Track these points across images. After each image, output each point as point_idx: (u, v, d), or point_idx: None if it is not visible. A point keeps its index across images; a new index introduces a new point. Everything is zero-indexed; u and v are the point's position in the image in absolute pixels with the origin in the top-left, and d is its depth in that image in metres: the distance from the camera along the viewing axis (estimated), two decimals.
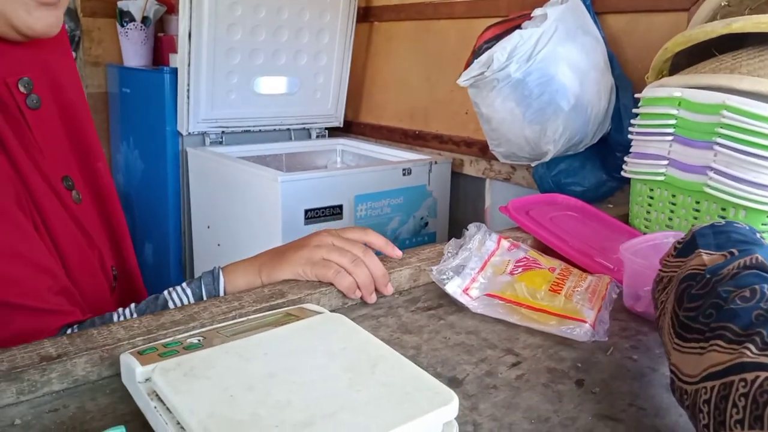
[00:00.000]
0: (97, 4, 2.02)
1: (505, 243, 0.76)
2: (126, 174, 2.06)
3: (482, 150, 1.68)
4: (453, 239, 0.76)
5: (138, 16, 1.95)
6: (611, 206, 1.28)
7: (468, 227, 0.78)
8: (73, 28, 2.01)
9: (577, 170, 1.36)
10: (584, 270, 0.74)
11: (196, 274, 1.82)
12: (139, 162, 1.95)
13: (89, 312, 0.63)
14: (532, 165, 1.38)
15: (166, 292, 0.63)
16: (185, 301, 0.62)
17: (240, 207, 1.59)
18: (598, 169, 1.35)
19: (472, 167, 1.75)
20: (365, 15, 1.97)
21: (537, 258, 0.72)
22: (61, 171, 0.66)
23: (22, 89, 0.62)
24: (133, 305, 0.62)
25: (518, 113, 1.29)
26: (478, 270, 0.70)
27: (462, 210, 1.83)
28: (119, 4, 1.97)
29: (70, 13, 2.02)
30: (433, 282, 0.70)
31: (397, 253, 0.71)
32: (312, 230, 1.46)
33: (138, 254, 2.15)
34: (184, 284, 0.64)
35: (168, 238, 1.88)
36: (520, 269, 0.69)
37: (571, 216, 0.89)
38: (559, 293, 0.65)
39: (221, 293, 0.64)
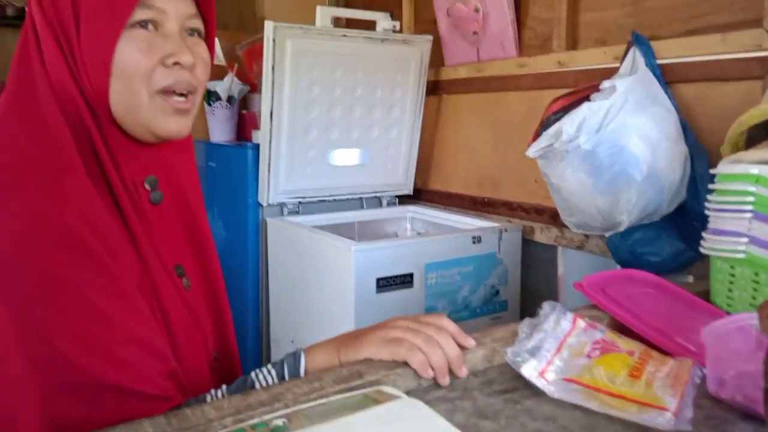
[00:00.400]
0: None
1: (581, 323, 0.75)
2: None
3: (553, 217, 1.67)
4: (527, 318, 0.76)
5: (224, 96, 2.10)
6: (691, 280, 1.24)
7: (542, 306, 0.78)
8: None
9: (653, 240, 1.34)
10: (664, 352, 0.72)
11: (273, 339, 1.88)
12: (222, 231, 2.06)
13: (190, 391, 0.68)
14: (606, 235, 1.36)
15: (253, 374, 0.67)
16: (270, 383, 0.66)
17: (315, 274, 1.64)
18: (675, 238, 1.32)
19: (543, 235, 1.74)
20: (434, 88, 2.04)
21: (615, 340, 0.71)
22: (174, 259, 0.72)
23: (147, 187, 0.70)
24: (224, 387, 0.66)
25: (589, 184, 1.30)
26: (554, 352, 0.70)
27: (534, 278, 1.81)
28: (207, 84, 2.13)
29: None
30: (508, 363, 0.70)
31: (470, 342, 0.72)
32: (383, 299, 1.50)
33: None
34: (269, 365, 0.68)
35: (247, 304, 1.95)
36: (597, 352, 0.69)
37: (649, 293, 0.87)
38: (639, 378, 0.64)
39: (302, 374, 0.67)
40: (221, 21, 3.54)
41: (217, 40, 2.11)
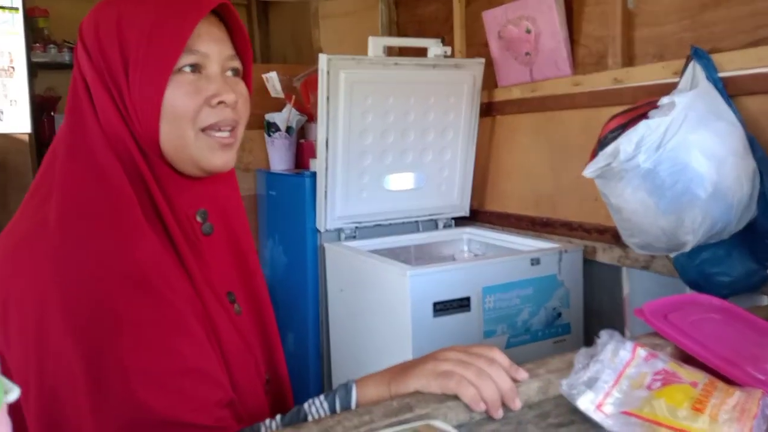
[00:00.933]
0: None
1: (641, 352, 0.73)
2: (272, 268, 2.23)
3: (616, 237, 1.62)
4: (583, 348, 0.74)
5: (282, 126, 2.17)
6: (766, 302, 1.18)
7: (600, 334, 0.76)
8: None
9: (723, 259, 1.28)
10: (731, 382, 0.69)
11: (333, 365, 1.90)
12: (282, 257, 2.11)
13: (246, 416, 0.70)
14: (671, 256, 1.31)
15: (306, 405, 0.68)
16: (323, 414, 0.67)
17: (372, 299, 1.65)
18: (746, 257, 1.26)
19: (606, 255, 1.69)
20: (488, 110, 2.04)
21: (677, 370, 0.69)
22: (226, 287, 0.76)
23: (198, 219, 0.74)
24: (279, 417, 0.68)
25: (651, 203, 1.26)
26: (612, 383, 0.68)
27: (598, 300, 1.76)
28: (266, 116, 2.21)
29: None
30: (564, 395, 0.69)
31: (523, 375, 0.70)
32: (441, 323, 1.50)
33: (281, 343, 2.28)
34: (321, 397, 0.69)
35: (307, 328, 1.99)
36: (658, 383, 0.67)
37: (715, 319, 0.83)
38: (702, 412, 0.61)
39: (353, 405, 0.68)
40: (280, 54, 3.70)
41: (275, 74, 2.19)
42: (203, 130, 0.71)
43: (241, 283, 0.79)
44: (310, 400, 0.69)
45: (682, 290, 1.42)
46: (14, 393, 0.40)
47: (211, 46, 0.71)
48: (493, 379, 0.66)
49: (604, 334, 0.76)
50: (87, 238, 0.63)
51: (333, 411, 0.68)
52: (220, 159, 0.73)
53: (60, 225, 0.63)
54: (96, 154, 0.68)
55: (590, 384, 0.68)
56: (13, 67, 2.05)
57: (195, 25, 0.69)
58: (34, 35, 2.70)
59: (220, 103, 0.71)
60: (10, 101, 2.07)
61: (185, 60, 0.69)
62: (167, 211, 0.70)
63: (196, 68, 0.71)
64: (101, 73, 0.69)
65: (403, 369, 0.70)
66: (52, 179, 0.67)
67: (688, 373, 0.68)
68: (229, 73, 0.75)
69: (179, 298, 0.66)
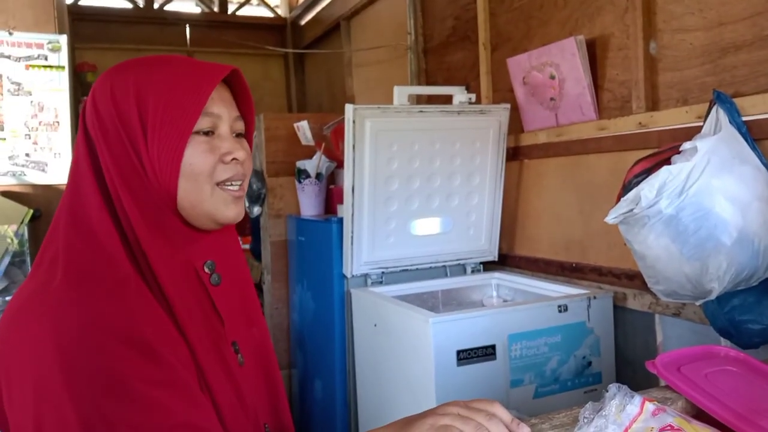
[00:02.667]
0: (279, 166, 2.36)
1: (649, 406, 0.71)
2: (300, 313, 2.26)
3: (646, 283, 1.59)
4: (590, 403, 0.73)
5: (312, 173, 2.22)
6: None
7: (608, 388, 0.75)
8: (260, 187, 2.35)
9: (753, 306, 1.24)
10: None
11: (360, 411, 1.89)
12: (311, 302, 2.14)
13: None
14: (697, 304, 1.27)
15: None
16: None
17: (396, 345, 1.65)
18: None
19: (637, 301, 1.65)
20: (514, 154, 2.05)
21: (683, 426, 0.66)
22: (232, 337, 0.78)
23: (206, 270, 0.77)
24: None
25: (674, 250, 1.23)
26: None
27: (631, 347, 1.71)
28: (297, 163, 2.27)
29: (257, 174, 2.37)
30: None
31: (525, 430, 0.69)
32: (465, 372, 1.48)
33: (308, 390, 2.28)
34: None
35: (335, 374, 1.98)
36: None
37: (732, 372, 0.80)
38: None
39: None
40: (315, 103, 3.83)
41: (305, 122, 2.26)
42: (217, 185, 0.76)
43: (246, 332, 0.81)
44: None
45: (717, 338, 1.37)
46: None
47: (222, 109, 0.77)
48: None
49: (612, 388, 0.74)
50: (85, 301, 0.67)
51: None
52: (233, 211, 0.78)
53: (60, 289, 0.67)
54: (92, 220, 0.71)
55: None
56: (58, 122, 2.19)
57: (211, 91, 0.74)
58: (82, 89, 2.87)
59: (233, 159, 0.77)
60: (54, 154, 2.20)
61: (202, 123, 0.75)
62: (163, 269, 0.72)
63: (210, 130, 0.76)
64: (119, 136, 0.73)
65: (407, 423, 0.70)
66: (57, 247, 0.71)
67: (694, 429, 0.66)
68: (238, 134, 0.80)
69: (171, 354, 0.68)
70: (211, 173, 0.75)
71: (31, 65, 2.17)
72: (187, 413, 0.66)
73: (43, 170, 2.20)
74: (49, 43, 2.19)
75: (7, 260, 1.89)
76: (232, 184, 0.77)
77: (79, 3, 4.21)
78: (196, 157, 0.74)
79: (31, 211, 2.03)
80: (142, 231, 0.72)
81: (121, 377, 0.63)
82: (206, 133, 0.75)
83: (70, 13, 3.40)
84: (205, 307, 0.75)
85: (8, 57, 2.17)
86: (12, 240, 1.99)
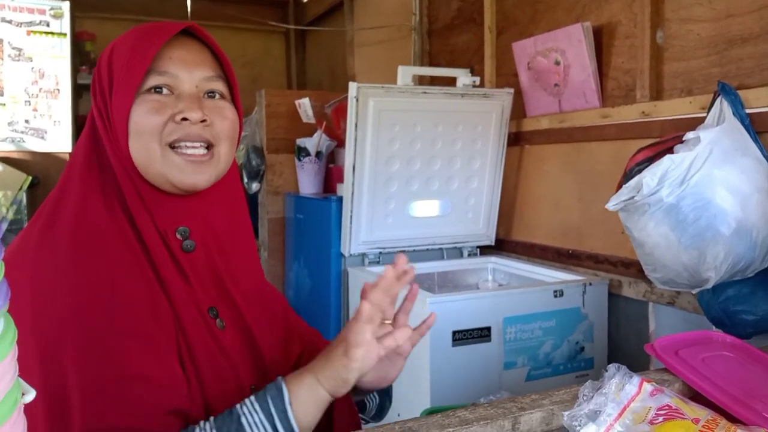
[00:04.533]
0: (279, 143, 2.35)
1: (647, 387, 0.72)
2: (296, 290, 2.26)
3: (642, 271, 1.60)
4: (590, 381, 0.74)
5: (312, 151, 2.21)
6: None
7: (607, 368, 0.76)
8: (259, 164, 2.34)
9: (748, 297, 1.25)
10: (738, 421, 0.68)
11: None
12: (307, 280, 2.14)
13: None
14: (693, 292, 1.29)
15: (239, 406, 0.68)
16: (255, 418, 0.67)
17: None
18: None
19: (632, 289, 1.67)
20: (516, 139, 2.05)
21: (680, 406, 0.68)
22: (208, 302, 0.77)
23: (178, 236, 0.75)
24: (212, 419, 0.68)
25: (673, 238, 1.24)
26: (615, 417, 0.68)
27: (624, 334, 1.73)
28: (297, 141, 2.26)
29: (257, 151, 2.36)
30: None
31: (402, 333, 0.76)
32: (459, 352, 1.49)
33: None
34: (252, 398, 0.69)
35: None
36: (660, 419, 0.66)
37: (728, 357, 0.82)
38: None
39: (287, 405, 0.68)
40: (316, 81, 3.79)
41: (307, 100, 2.25)
42: (171, 146, 0.74)
43: (226, 299, 0.79)
44: (242, 403, 0.69)
45: (709, 328, 1.39)
46: (30, 394, 0.43)
47: (181, 69, 0.75)
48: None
49: (611, 368, 0.75)
50: (61, 255, 0.68)
51: (265, 411, 0.68)
52: (189, 177, 0.74)
53: (38, 236, 0.70)
54: (82, 180, 0.74)
55: (593, 417, 0.68)
56: (58, 89, 2.17)
57: (157, 50, 0.73)
58: (81, 58, 2.84)
59: (184, 120, 0.74)
60: (54, 122, 2.18)
61: (153, 81, 0.74)
62: (145, 226, 0.73)
63: (167, 89, 0.75)
64: (96, 101, 0.75)
65: (325, 361, 0.71)
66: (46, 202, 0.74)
67: (691, 409, 0.67)
68: (209, 96, 0.77)
69: (142, 308, 0.69)
70: (158, 132, 0.73)
71: (32, 31, 2.14)
72: (142, 366, 0.66)
73: (43, 137, 2.18)
74: (51, 9, 2.16)
75: (3, 226, 1.88)
76: (187, 147, 0.74)
77: None
78: (140, 115, 0.73)
79: (30, 178, 2.02)
80: (128, 190, 0.73)
81: (87, 322, 0.65)
82: (160, 93, 0.74)
83: None
84: (179, 272, 0.75)
85: (9, 22, 2.14)
86: (7, 208, 1.98)
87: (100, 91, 0.75)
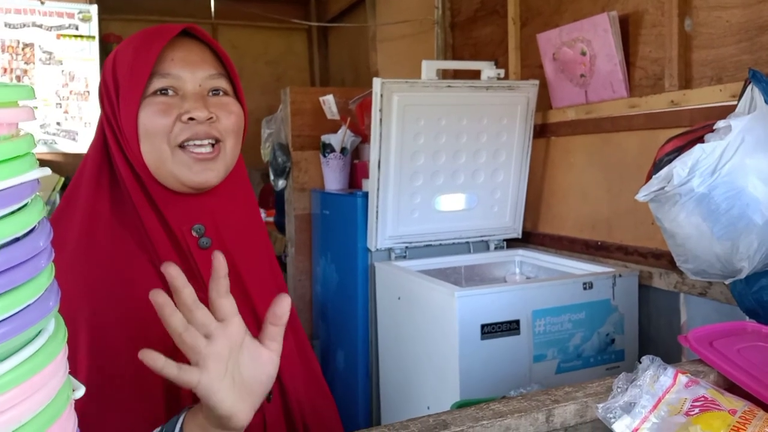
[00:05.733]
0: (304, 140, 2.37)
1: (682, 378, 0.72)
2: (323, 285, 2.28)
3: (672, 262, 1.58)
4: (623, 373, 0.74)
5: (338, 147, 2.23)
6: None
7: (641, 360, 0.76)
8: (285, 161, 2.36)
9: None
10: None
11: (382, 382, 1.92)
12: (334, 275, 2.16)
13: None
14: (726, 283, 1.27)
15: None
16: None
17: (420, 319, 1.67)
18: None
19: (662, 280, 1.65)
20: (542, 131, 2.04)
21: (716, 397, 0.67)
22: None
23: (194, 233, 0.77)
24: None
25: (705, 229, 1.23)
26: (650, 408, 0.68)
27: (655, 326, 1.71)
28: (322, 137, 2.28)
29: (283, 148, 2.38)
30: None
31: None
32: (489, 345, 1.49)
33: (330, 360, 2.32)
34: (160, 427, 0.63)
35: (357, 345, 2.02)
36: (696, 410, 0.66)
37: (764, 348, 0.81)
38: None
39: None
40: (338, 78, 3.80)
41: (331, 96, 2.26)
42: (181, 146, 0.76)
43: (242, 296, 0.79)
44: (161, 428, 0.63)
45: (742, 318, 1.37)
46: (80, 390, 0.45)
47: (183, 70, 0.77)
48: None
49: (645, 360, 0.75)
50: (79, 262, 0.72)
51: None
52: (199, 175, 0.76)
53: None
54: (92, 182, 0.77)
55: (627, 409, 0.68)
56: (88, 91, 2.22)
57: (158, 53, 0.75)
58: None
59: (191, 119, 0.75)
60: (84, 123, 2.24)
61: (157, 84, 0.75)
62: (157, 225, 0.75)
63: (172, 90, 0.76)
64: (104, 107, 0.78)
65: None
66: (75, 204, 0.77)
67: (727, 400, 0.67)
68: (214, 93, 0.79)
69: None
70: (166, 133, 0.75)
71: (62, 35, 2.19)
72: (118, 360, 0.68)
73: (74, 139, 2.24)
74: (80, 12, 2.21)
75: (49, 229, 1.93)
76: (195, 145, 0.76)
77: None
78: (148, 117, 0.74)
79: (62, 179, 2.08)
80: (135, 192, 0.75)
81: (89, 325, 0.67)
82: (165, 94, 0.76)
83: None
84: (193, 271, 0.76)
85: (40, 26, 2.19)
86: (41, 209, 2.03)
87: (107, 97, 0.77)
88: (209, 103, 0.77)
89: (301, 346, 0.89)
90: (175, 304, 0.58)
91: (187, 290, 0.57)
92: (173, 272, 0.57)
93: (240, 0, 3.99)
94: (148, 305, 0.59)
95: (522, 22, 2.14)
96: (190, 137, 0.75)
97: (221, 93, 0.79)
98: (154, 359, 0.55)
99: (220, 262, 0.59)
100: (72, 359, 0.64)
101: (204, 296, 0.75)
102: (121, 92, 0.75)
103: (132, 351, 0.58)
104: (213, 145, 0.77)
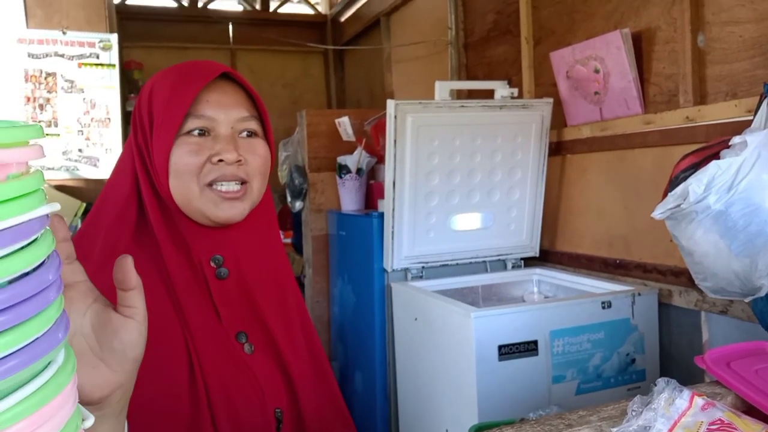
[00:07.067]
0: (320, 161, 2.39)
1: (698, 401, 0.71)
2: (340, 306, 2.29)
3: (692, 280, 1.56)
4: (638, 396, 0.73)
5: (353, 168, 2.24)
6: None
7: (656, 382, 0.75)
8: (301, 182, 2.38)
9: None
10: None
11: (401, 404, 1.91)
12: (351, 296, 2.16)
13: None
14: (746, 301, 1.25)
15: None
16: None
17: (437, 339, 1.66)
18: None
19: (682, 298, 1.62)
20: (557, 149, 2.03)
21: (733, 420, 0.66)
22: (237, 327, 0.81)
23: (213, 264, 0.80)
24: None
25: (723, 246, 1.21)
26: None
27: (676, 344, 1.68)
28: (338, 159, 2.30)
29: (299, 170, 2.41)
30: None
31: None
32: (506, 367, 1.48)
33: (349, 381, 2.31)
34: None
35: (375, 367, 2.01)
36: None
37: None
38: None
39: None
40: (354, 99, 3.86)
41: (346, 118, 2.29)
42: (209, 185, 0.79)
43: (258, 323, 0.82)
44: None
45: (765, 337, 1.34)
46: (90, 420, 0.45)
47: (218, 112, 0.79)
48: None
49: (661, 382, 0.74)
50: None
51: None
52: (225, 212, 0.79)
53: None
54: (119, 207, 0.79)
55: None
56: (109, 118, 2.27)
57: (195, 95, 0.78)
58: (129, 86, 2.96)
59: (220, 161, 0.78)
60: (106, 149, 2.29)
61: (192, 124, 0.78)
62: (173, 255, 0.77)
63: (204, 131, 0.79)
64: (137, 137, 0.80)
65: None
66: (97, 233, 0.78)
67: (745, 423, 0.66)
68: (247, 135, 0.82)
69: (166, 335, 0.72)
70: (196, 173, 0.78)
71: (83, 63, 2.26)
72: (152, 397, 0.69)
73: (95, 165, 2.29)
74: (101, 41, 2.27)
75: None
76: (222, 184, 0.79)
77: (126, 2, 4.34)
78: (180, 157, 0.78)
79: (84, 204, 2.12)
80: (158, 223, 0.77)
81: None
82: (200, 134, 0.79)
83: (117, 12, 3.50)
84: (207, 299, 0.79)
85: (62, 56, 2.26)
86: None
87: (141, 129, 0.80)
88: (239, 144, 0.80)
89: (320, 368, 0.90)
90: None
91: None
92: None
93: (257, 25, 4.07)
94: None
95: (535, 41, 2.15)
96: (218, 178, 0.79)
97: (251, 134, 0.83)
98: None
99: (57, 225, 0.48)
100: None
101: (219, 325, 0.77)
102: (155, 127, 0.78)
103: (145, 380, 0.57)
104: (241, 184, 0.81)
